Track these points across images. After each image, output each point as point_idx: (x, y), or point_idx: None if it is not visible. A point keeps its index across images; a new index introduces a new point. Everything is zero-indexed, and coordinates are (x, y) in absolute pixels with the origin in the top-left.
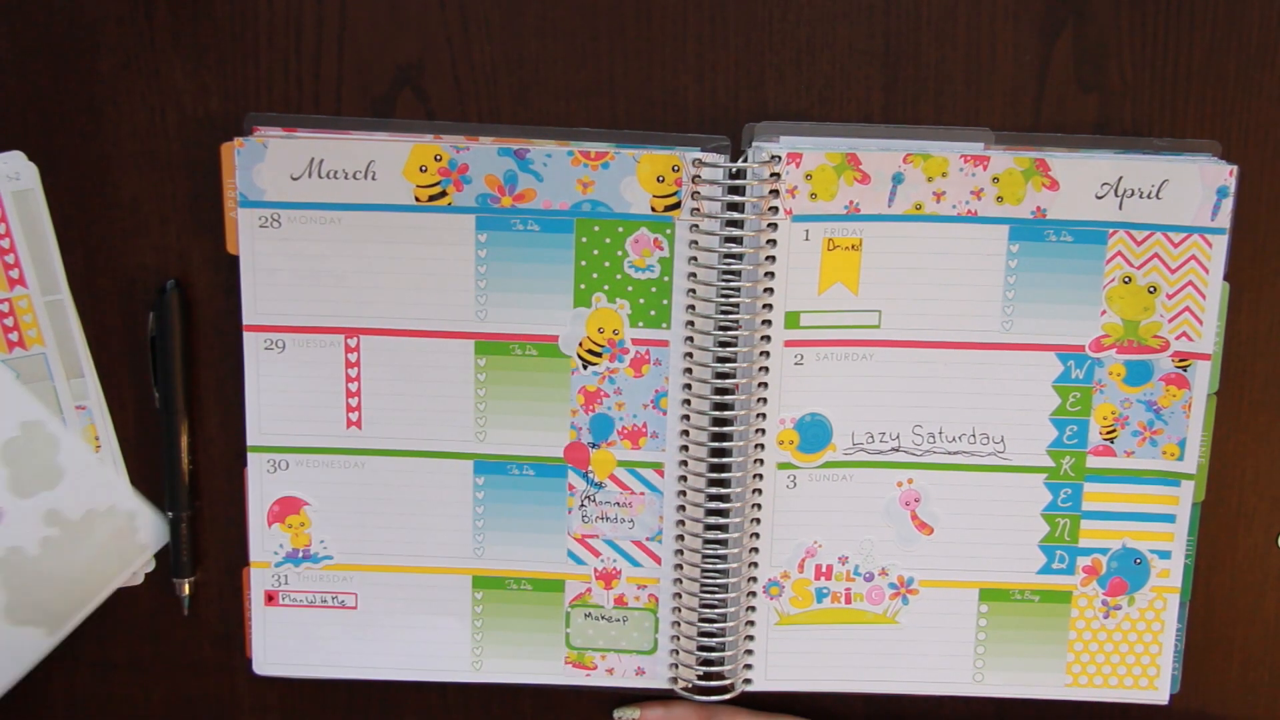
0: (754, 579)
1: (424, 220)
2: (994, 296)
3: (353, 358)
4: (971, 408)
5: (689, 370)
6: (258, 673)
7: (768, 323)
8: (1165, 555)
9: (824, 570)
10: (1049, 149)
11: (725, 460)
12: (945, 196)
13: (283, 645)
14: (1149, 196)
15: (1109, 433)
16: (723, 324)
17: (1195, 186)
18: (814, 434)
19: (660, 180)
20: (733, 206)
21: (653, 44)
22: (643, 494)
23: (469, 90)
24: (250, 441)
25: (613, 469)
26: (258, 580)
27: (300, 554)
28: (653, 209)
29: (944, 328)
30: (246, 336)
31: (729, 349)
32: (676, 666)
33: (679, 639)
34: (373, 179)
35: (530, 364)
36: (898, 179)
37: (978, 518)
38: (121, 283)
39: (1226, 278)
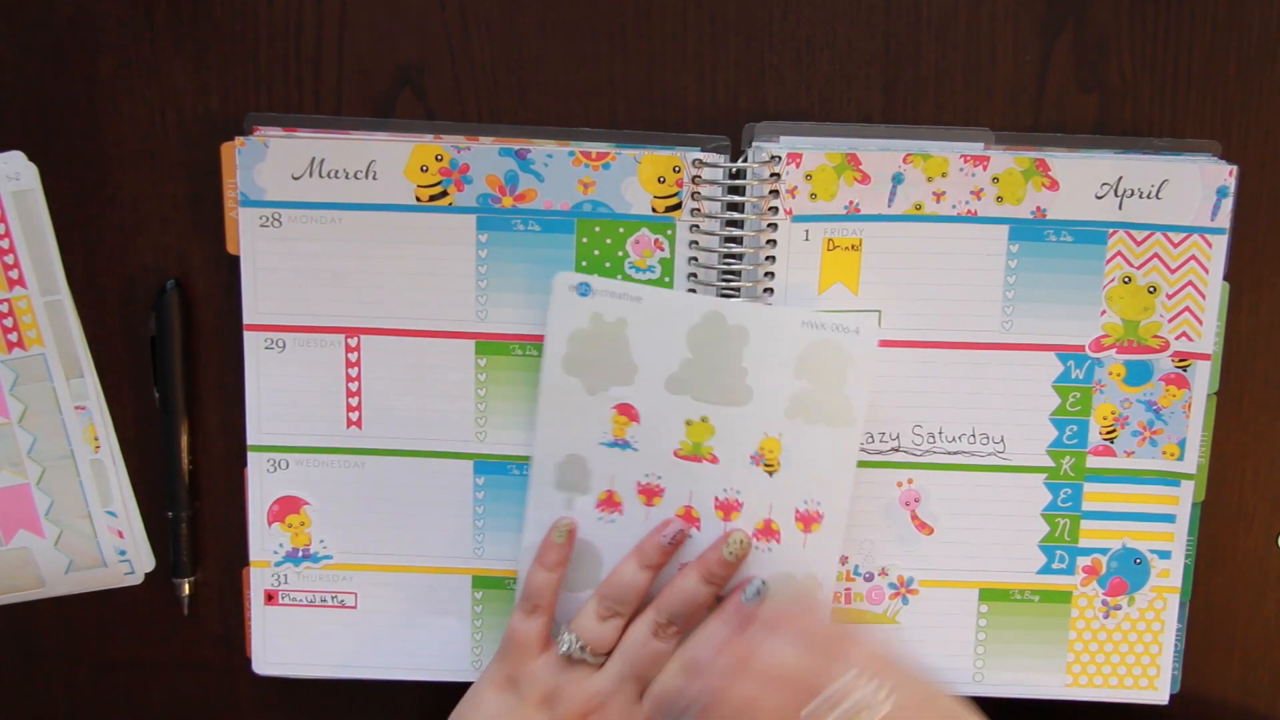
0: None
1: (424, 220)
2: (994, 296)
3: (353, 357)
4: (971, 408)
5: None
6: (258, 673)
7: None
8: (1165, 555)
9: None
10: (1049, 149)
11: None
12: (945, 196)
13: (283, 645)
14: (1149, 196)
15: (1109, 433)
16: None
17: (1195, 186)
18: None
19: (661, 181)
20: (733, 207)
21: (653, 44)
22: None
23: (469, 90)
24: (250, 441)
25: None
26: (258, 580)
27: (300, 554)
28: (653, 209)
29: (944, 328)
30: (246, 336)
31: None
32: None
33: None
34: (373, 179)
35: (530, 364)
36: (898, 179)
37: (978, 518)
38: (121, 283)
39: (1226, 278)
